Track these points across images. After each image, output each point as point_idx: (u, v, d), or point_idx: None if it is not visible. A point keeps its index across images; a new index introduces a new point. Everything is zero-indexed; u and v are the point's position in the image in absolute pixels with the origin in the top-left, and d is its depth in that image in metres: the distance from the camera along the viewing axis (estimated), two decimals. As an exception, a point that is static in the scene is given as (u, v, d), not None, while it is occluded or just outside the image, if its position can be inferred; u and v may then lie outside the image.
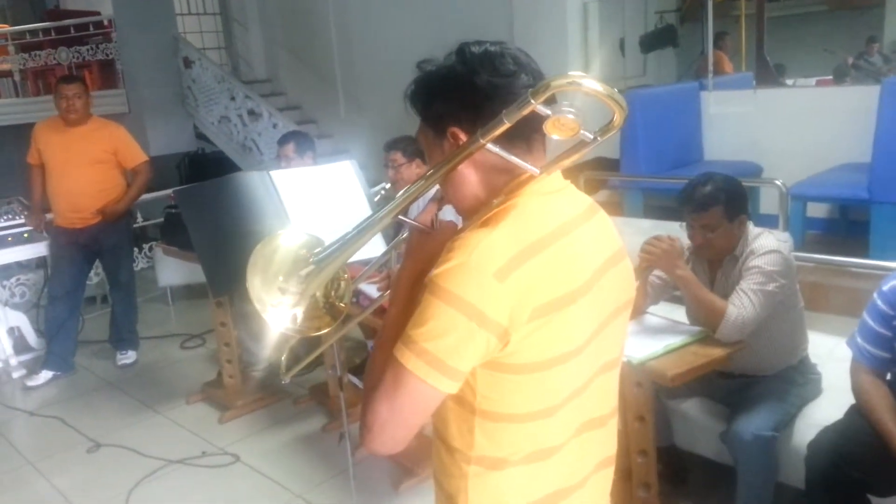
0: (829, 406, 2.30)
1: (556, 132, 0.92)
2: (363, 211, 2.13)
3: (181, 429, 3.60)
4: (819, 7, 9.30)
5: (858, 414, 2.04)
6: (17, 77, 8.21)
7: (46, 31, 8.33)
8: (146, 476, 3.15)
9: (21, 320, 4.45)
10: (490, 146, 0.98)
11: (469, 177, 1.06)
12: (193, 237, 2.23)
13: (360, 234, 1.15)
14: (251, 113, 7.46)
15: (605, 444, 1.16)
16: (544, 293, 0.96)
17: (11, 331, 4.37)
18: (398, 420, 0.98)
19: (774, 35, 6.96)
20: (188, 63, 7.84)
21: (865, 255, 3.80)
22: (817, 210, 4.54)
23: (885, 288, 1.97)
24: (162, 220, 4.37)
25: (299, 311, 1.22)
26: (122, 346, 4.41)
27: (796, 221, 4.04)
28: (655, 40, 10.20)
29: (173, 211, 3.76)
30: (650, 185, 4.84)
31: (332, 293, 1.28)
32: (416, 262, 1.12)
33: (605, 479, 1.18)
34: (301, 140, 3.83)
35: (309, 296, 1.23)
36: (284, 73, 8.63)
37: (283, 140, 3.85)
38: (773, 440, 2.16)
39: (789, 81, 6.89)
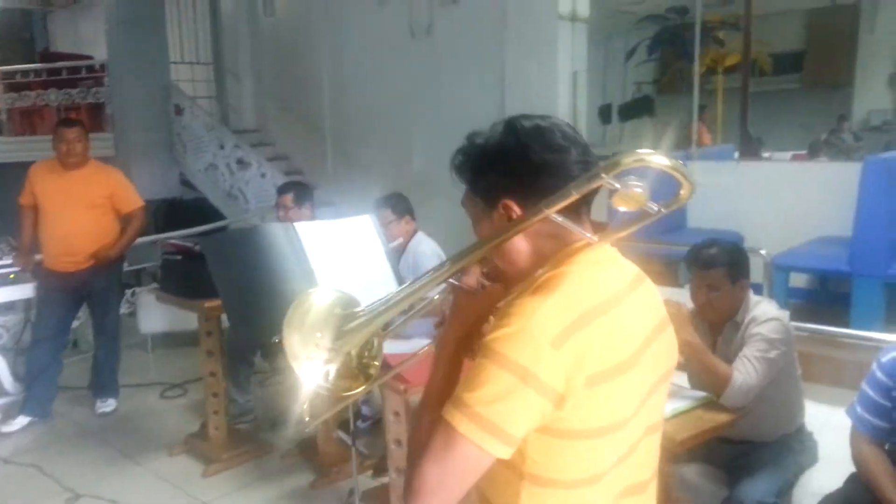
0: (825, 474, 2.34)
1: (623, 204, 0.97)
2: (383, 265, 2.16)
3: (163, 482, 3.51)
4: (794, 84, 9.76)
5: (858, 482, 2.08)
6: (3, 116, 8.17)
7: (37, 72, 8.37)
8: (128, 530, 3.05)
9: (-2, 363, 4.35)
10: (553, 216, 1.02)
11: (518, 243, 1.09)
12: (219, 286, 2.22)
13: (407, 295, 1.18)
14: (240, 162, 7.51)
15: None
16: (598, 362, 0.98)
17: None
18: (448, 485, 0.98)
19: (751, 109, 7.27)
20: (179, 110, 7.91)
21: (846, 325, 3.91)
22: (799, 280, 4.68)
23: (884, 359, 2.04)
24: (156, 265, 4.32)
25: (332, 369, 1.23)
26: (102, 394, 4.31)
27: (780, 291, 4.16)
28: (633, 110, 10.58)
29: (171, 258, 3.75)
30: (636, 248, 4.93)
31: (366, 353, 1.30)
32: (463, 323, 1.14)
33: None
34: (300, 190, 3.88)
35: (345, 353, 1.24)
36: (273, 123, 8.74)
37: (283, 190, 3.89)
38: (775, 508, 2.19)
39: (766, 154, 7.16)
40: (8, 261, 4.19)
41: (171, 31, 8.39)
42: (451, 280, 1.16)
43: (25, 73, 8.46)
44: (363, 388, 1.27)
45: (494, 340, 0.98)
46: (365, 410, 3.85)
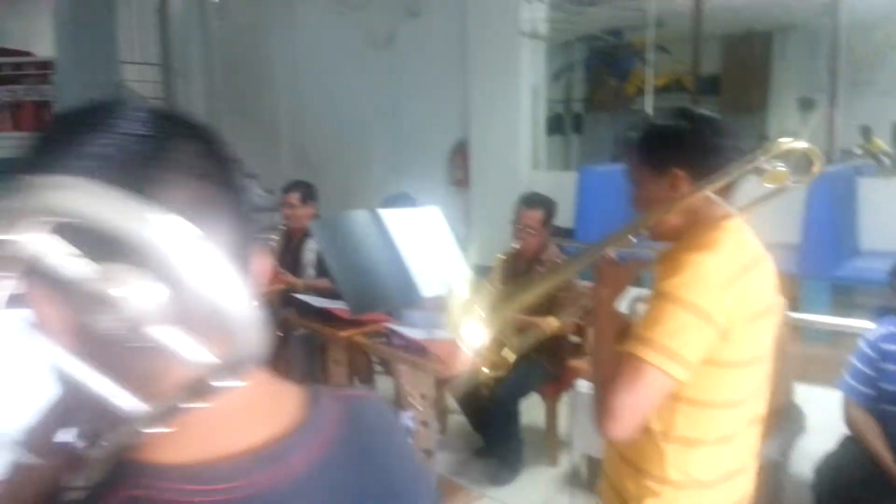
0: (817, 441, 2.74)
1: (771, 182, 1.31)
2: (453, 252, 2.40)
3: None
4: (713, 107, 10.52)
5: (852, 442, 2.49)
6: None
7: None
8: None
9: None
10: (710, 195, 1.35)
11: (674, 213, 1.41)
12: (331, 263, 2.38)
13: (580, 259, 1.48)
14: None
15: (757, 439, 1.44)
16: (752, 304, 1.29)
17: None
18: (638, 406, 1.24)
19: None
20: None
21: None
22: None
23: (871, 337, 2.47)
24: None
25: (486, 337, 1.46)
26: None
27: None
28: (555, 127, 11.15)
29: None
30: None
31: (505, 341, 1.54)
32: (613, 289, 1.44)
33: (753, 473, 1.45)
34: (306, 189, 4.06)
35: (499, 324, 1.49)
36: (225, 127, 8.72)
37: (289, 188, 4.06)
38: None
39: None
40: None
41: (121, 30, 8.27)
42: (606, 252, 1.46)
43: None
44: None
45: (672, 287, 1.25)
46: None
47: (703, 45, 9.88)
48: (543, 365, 3.31)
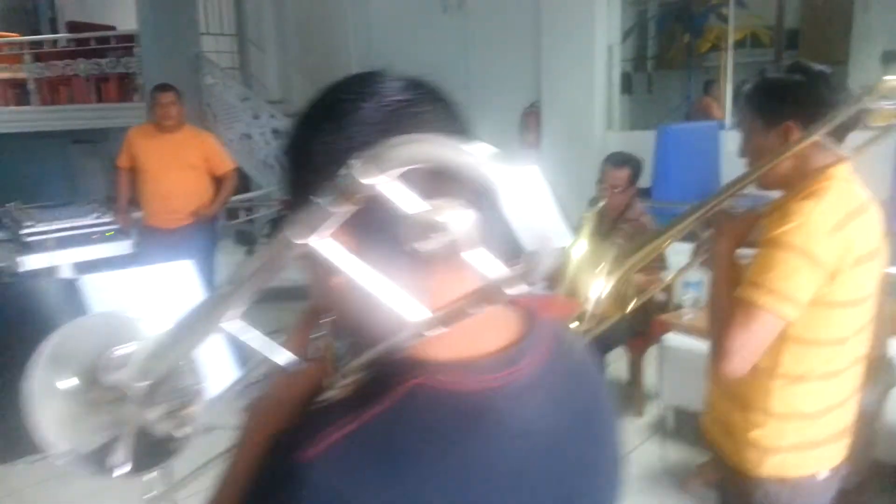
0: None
1: (879, 121, 1.35)
2: (553, 211, 2.46)
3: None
4: (792, 61, 10.18)
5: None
6: (31, 86, 8.24)
7: (61, 41, 8.45)
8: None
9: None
10: (823, 139, 1.39)
11: (785, 161, 1.46)
12: None
13: (707, 206, 1.53)
14: (275, 132, 7.72)
15: (858, 378, 1.50)
16: (860, 248, 1.36)
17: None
18: (751, 345, 1.35)
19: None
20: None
21: None
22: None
23: None
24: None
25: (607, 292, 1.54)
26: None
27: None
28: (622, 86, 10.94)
29: (279, 214, 4.06)
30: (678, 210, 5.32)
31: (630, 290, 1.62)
32: (731, 239, 1.50)
33: (853, 407, 1.52)
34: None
35: (626, 270, 1.57)
36: (298, 95, 8.92)
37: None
38: None
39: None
40: (107, 219, 4.42)
41: (199, 1, 8.49)
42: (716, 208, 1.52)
43: (52, 42, 8.52)
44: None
45: (783, 234, 1.33)
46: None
47: (780, -5, 9.47)
48: (629, 320, 3.37)
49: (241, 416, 0.82)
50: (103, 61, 8.20)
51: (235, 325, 0.66)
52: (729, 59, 7.40)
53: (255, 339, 0.68)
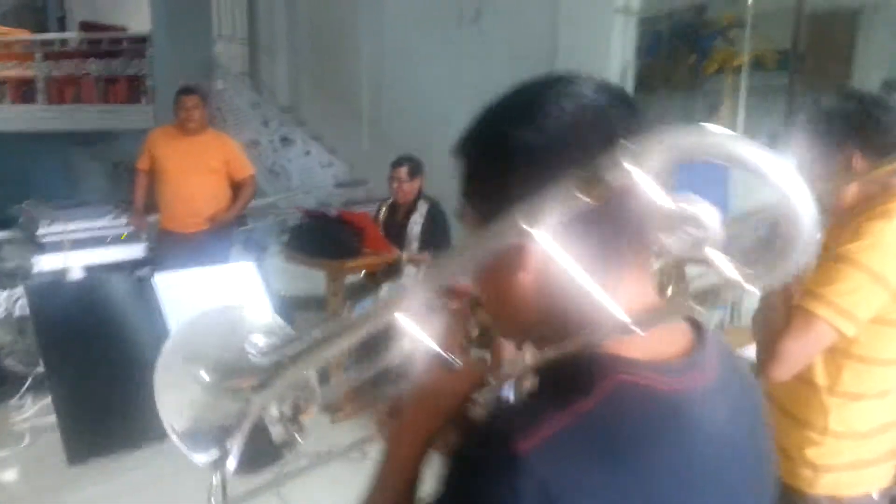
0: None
1: None
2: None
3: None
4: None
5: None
6: (39, 84, 8.21)
7: (72, 41, 8.43)
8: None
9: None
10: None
11: (851, 186, 1.48)
12: None
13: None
14: (284, 139, 7.71)
15: None
16: None
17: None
18: (802, 353, 1.38)
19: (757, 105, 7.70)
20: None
21: None
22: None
23: None
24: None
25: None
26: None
27: None
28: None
29: (304, 222, 4.04)
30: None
31: None
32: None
33: None
34: (415, 164, 4.18)
35: None
36: (307, 102, 8.92)
37: (398, 163, 4.18)
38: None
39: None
40: (121, 221, 4.39)
41: (212, 6, 8.50)
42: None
43: (61, 41, 8.50)
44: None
45: (852, 250, 1.36)
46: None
47: (787, 21, 9.58)
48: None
49: (381, 413, 0.82)
50: (115, 62, 8.18)
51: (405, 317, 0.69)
52: (742, 82, 7.44)
53: (418, 334, 0.70)
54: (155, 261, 4.41)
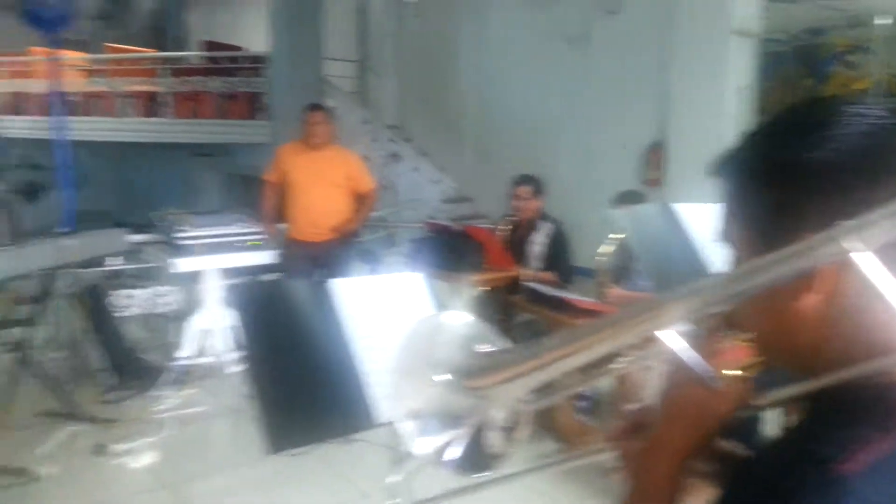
0: None
1: None
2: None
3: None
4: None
5: None
6: (168, 99, 8.74)
7: (194, 59, 8.95)
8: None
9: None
10: None
11: None
12: (639, 251, 2.49)
13: None
14: (392, 155, 7.91)
15: None
16: None
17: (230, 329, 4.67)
18: None
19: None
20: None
21: None
22: None
23: None
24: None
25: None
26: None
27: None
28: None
29: (429, 236, 4.15)
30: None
31: None
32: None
33: None
34: (537, 183, 4.21)
35: None
36: (413, 120, 9.13)
37: (521, 181, 4.22)
38: None
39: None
40: (251, 229, 4.59)
41: (326, 27, 8.84)
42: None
43: (186, 59, 9.04)
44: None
45: None
46: (585, 391, 4.14)
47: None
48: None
49: (616, 432, 0.82)
50: (234, 80, 8.61)
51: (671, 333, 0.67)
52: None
53: (686, 351, 0.69)
54: (283, 267, 4.59)
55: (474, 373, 0.88)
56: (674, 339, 0.68)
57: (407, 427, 0.90)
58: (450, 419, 0.88)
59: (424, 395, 0.90)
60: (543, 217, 4.16)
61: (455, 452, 0.87)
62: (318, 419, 1.51)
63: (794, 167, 0.62)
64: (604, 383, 4.09)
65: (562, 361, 0.76)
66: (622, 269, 3.91)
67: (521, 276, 3.99)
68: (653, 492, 0.70)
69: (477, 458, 0.90)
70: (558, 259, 4.02)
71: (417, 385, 0.90)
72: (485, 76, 8.28)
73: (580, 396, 4.11)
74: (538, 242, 4.09)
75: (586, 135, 7.42)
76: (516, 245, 4.18)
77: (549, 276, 3.99)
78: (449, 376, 0.89)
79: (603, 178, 6.58)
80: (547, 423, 3.90)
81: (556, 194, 6.06)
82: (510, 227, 4.26)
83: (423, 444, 0.88)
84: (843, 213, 0.55)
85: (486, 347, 0.94)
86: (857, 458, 0.54)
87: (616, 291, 3.46)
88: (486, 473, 0.94)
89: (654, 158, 6.81)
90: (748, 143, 0.68)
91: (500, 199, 4.32)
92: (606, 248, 3.44)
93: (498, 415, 0.91)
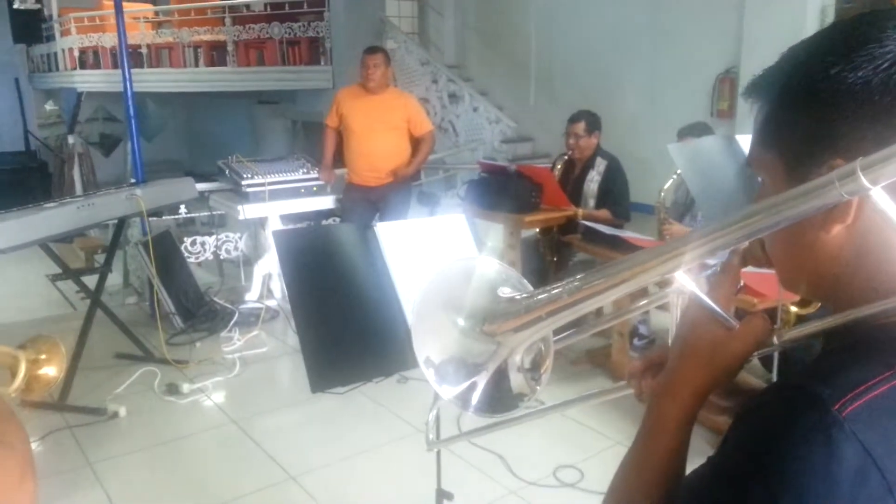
0: None
1: None
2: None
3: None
4: None
5: None
6: (230, 48, 8.84)
7: (256, 6, 8.97)
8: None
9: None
10: None
11: None
12: (691, 185, 2.44)
13: None
14: (452, 96, 7.82)
15: None
16: None
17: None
18: None
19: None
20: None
21: None
22: None
23: None
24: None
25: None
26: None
27: None
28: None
29: (480, 177, 4.14)
30: None
31: None
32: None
33: None
34: (592, 119, 4.09)
35: None
36: (473, 60, 8.98)
37: (575, 118, 4.11)
38: None
39: None
40: (314, 174, 4.68)
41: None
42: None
43: (248, 6, 9.07)
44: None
45: None
46: (642, 329, 4.11)
47: None
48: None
49: (635, 368, 0.81)
50: (296, 25, 8.63)
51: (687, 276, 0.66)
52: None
53: (697, 291, 0.68)
54: (343, 211, 4.67)
55: (497, 317, 0.89)
56: (690, 279, 0.68)
57: (429, 373, 0.91)
58: (470, 364, 0.88)
59: (444, 340, 0.90)
60: (600, 154, 4.06)
61: (478, 396, 0.87)
62: (357, 361, 1.55)
63: (831, 88, 0.58)
64: (660, 321, 4.05)
65: (580, 304, 0.75)
66: (684, 205, 3.81)
67: (577, 214, 3.93)
68: (667, 428, 0.69)
69: (501, 400, 0.91)
70: (614, 196, 3.94)
71: (438, 330, 0.92)
72: (549, 13, 8.03)
73: (637, 335, 4.08)
74: (594, 180, 4.01)
75: (654, 66, 7.15)
76: (572, 183, 4.11)
77: (604, 213, 3.92)
78: (466, 321, 0.90)
79: (670, 111, 6.35)
80: (602, 361, 3.91)
81: (621, 129, 5.90)
82: (566, 165, 4.19)
83: (445, 389, 0.89)
84: (881, 141, 0.53)
85: (508, 293, 0.94)
86: (854, 400, 0.53)
87: (677, 228, 3.37)
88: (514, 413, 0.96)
89: (726, 88, 6.53)
90: (785, 63, 0.63)
91: (561, 138, 4.23)
92: (669, 184, 3.35)
93: (519, 357, 0.92)
